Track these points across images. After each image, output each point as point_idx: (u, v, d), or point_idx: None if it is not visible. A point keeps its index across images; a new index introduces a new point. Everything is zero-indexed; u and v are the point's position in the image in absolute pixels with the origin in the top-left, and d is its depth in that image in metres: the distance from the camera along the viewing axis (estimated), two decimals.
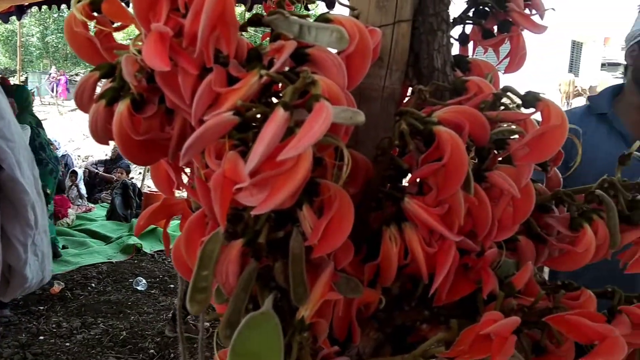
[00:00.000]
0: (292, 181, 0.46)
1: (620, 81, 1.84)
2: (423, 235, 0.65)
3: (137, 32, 0.61)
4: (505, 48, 0.94)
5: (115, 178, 7.94)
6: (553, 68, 16.25)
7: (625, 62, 1.78)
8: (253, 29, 0.67)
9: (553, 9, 0.89)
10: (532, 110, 0.69)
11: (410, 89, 0.83)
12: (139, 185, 7.69)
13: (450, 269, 0.64)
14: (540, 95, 0.68)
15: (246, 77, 0.55)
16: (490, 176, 0.67)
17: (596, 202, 0.80)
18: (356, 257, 0.66)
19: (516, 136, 0.69)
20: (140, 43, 0.58)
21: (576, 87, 15.36)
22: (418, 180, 0.68)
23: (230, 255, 0.57)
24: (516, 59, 0.91)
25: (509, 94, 0.70)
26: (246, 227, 0.57)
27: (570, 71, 17.90)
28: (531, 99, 0.68)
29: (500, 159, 0.71)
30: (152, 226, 0.82)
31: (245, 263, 0.58)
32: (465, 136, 0.64)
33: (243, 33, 0.62)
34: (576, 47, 19.39)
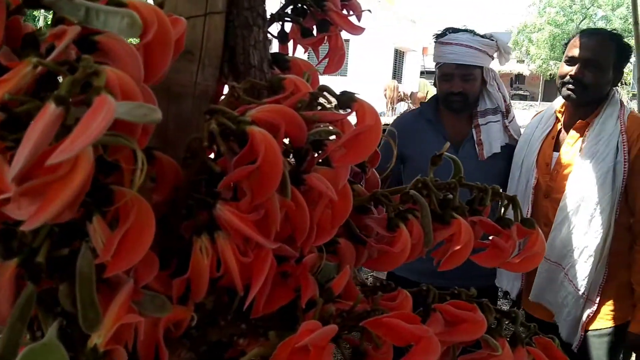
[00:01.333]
0: (68, 189, 0.39)
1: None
2: (237, 243, 0.60)
3: None
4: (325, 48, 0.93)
5: None
6: (378, 74, 17.26)
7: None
8: None
9: (369, 10, 0.89)
10: (348, 110, 0.68)
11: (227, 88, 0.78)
12: None
13: (267, 278, 0.60)
14: (355, 95, 0.67)
15: (18, 67, 0.46)
16: (308, 179, 0.64)
17: (411, 202, 0.82)
18: (164, 271, 0.60)
19: (334, 137, 0.68)
20: None
21: (400, 92, 16.48)
22: (233, 185, 0.63)
23: (1, 279, 0.47)
24: (335, 59, 0.90)
25: (325, 93, 0.68)
26: (21, 244, 0.48)
27: (394, 78, 19.13)
28: (346, 100, 0.67)
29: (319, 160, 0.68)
30: None
31: (22, 287, 0.48)
32: (281, 137, 0.61)
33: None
34: (399, 55, 20.79)
